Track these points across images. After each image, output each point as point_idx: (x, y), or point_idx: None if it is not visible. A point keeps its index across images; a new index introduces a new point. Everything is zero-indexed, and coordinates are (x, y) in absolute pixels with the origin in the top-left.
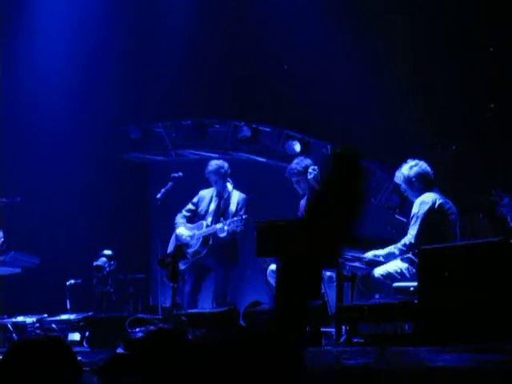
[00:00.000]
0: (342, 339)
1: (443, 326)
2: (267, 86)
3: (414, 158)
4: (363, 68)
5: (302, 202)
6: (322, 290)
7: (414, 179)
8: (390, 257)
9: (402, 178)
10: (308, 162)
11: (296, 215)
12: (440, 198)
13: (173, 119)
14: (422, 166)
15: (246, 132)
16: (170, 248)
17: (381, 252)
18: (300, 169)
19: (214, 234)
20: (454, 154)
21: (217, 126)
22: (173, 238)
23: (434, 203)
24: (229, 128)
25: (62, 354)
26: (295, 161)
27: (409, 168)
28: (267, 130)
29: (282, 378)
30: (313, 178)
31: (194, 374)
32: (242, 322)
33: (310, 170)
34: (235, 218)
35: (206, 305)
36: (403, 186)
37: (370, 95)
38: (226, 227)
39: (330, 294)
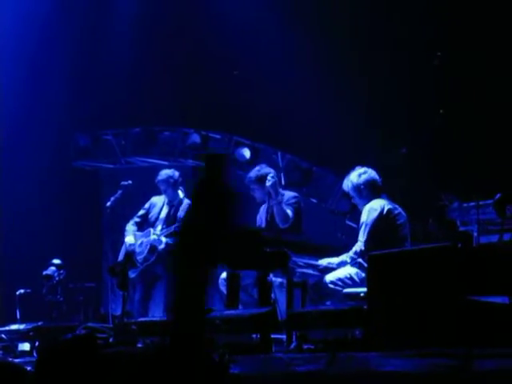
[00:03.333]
0: (293, 346)
1: (392, 332)
2: (217, 93)
3: (362, 164)
4: (312, 73)
5: (262, 210)
6: (272, 297)
7: (362, 187)
8: (341, 265)
9: (350, 185)
10: (267, 170)
11: (254, 223)
12: (388, 203)
13: (122, 127)
14: (371, 173)
15: (196, 139)
16: (121, 256)
17: (334, 260)
18: (255, 177)
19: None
20: (404, 157)
21: (166, 133)
22: (123, 246)
23: (382, 210)
24: (178, 135)
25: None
26: (255, 168)
27: (357, 175)
28: (217, 136)
29: None
30: (270, 185)
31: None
32: None
33: (268, 178)
34: (172, 226)
35: (157, 312)
36: (351, 193)
37: (319, 100)
38: (162, 238)
39: (281, 300)
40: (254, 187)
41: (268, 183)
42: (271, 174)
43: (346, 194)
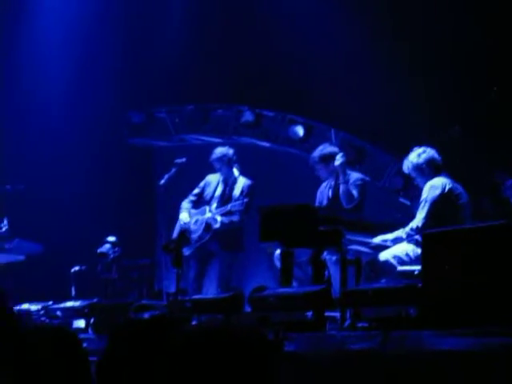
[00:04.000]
0: (347, 324)
1: (447, 310)
2: (270, 70)
3: (417, 143)
4: (364, 51)
5: (324, 187)
6: (327, 274)
7: (424, 165)
8: (397, 241)
9: (410, 166)
10: (331, 149)
11: (305, 201)
12: (450, 182)
13: (175, 104)
14: (430, 152)
15: (249, 117)
16: (175, 234)
17: (389, 236)
18: (319, 157)
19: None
20: (457, 135)
21: (219, 110)
22: (177, 223)
23: (444, 188)
24: (231, 113)
25: (69, 345)
26: (318, 148)
27: (417, 155)
28: (270, 114)
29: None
30: (339, 164)
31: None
32: (247, 308)
33: (338, 157)
34: (236, 203)
35: (211, 290)
36: (413, 173)
37: (371, 78)
38: (217, 217)
39: (335, 277)
40: (319, 167)
41: (337, 162)
42: (341, 154)
43: (399, 172)
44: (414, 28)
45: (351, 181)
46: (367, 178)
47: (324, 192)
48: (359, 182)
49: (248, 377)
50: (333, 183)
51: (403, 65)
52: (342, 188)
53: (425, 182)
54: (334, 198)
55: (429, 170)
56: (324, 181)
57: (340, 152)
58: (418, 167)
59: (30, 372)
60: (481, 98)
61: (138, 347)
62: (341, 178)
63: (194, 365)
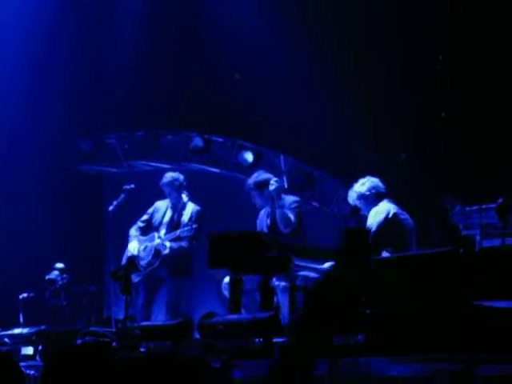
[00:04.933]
0: None
1: (395, 336)
2: (219, 96)
3: (365, 171)
4: (314, 77)
5: (262, 215)
6: (275, 301)
7: (367, 193)
8: None
9: (355, 196)
10: (266, 176)
11: (255, 227)
12: (394, 207)
13: (125, 130)
14: (374, 180)
15: (198, 142)
16: (124, 260)
17: None
18: (253, 184)
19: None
20: (404, 162)
21: (169, 136)
22: (126, 250)
23: (388, 213)
24: (181, 139)
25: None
26: (253, 175)
27: (360, 185)
28: (219, 140)
29: None
30: (274, 189)
31: None
32: (196, 334)
33: (272, 182)
34: (185, 228)
35: (160, 317)
36: (358, 203)
37: (320, 104)
38: (167, 243)
39: (284, 304)
40: (254, 194)
41: (271, 187)
42: (275, 179)
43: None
44: (360, 56)
45: (286, 205)
46: (301, 201)
47: (263, 219)
48: (294, 205)
49: None
50: (270, 210)
51: (351, 93)
52: (278, 213)
53: (369, 210)
54: (272, 224)
55: (373, 197)
56: (260, 208)
57: (272, 177)
58: (362, 196)
59: None
60: (428, 125)
61: (70, 373)
62: (275, 203)
63: None
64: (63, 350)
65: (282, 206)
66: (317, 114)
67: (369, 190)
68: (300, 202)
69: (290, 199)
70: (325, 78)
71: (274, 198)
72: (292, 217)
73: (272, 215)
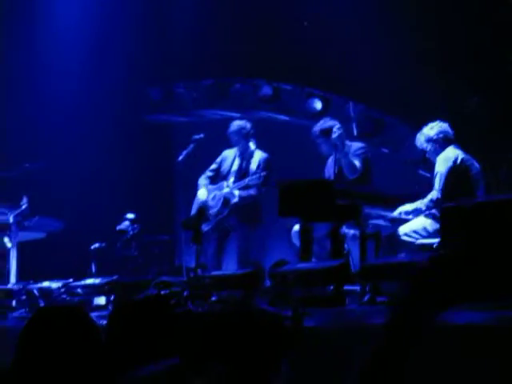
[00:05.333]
0: (366, 298)
1: (466, 284)
2: (287, 44)
3: (436, 116)
4: (381, 24)
5: (329, 162)
6: (346, 248)
7: (435, 137)
8: (416, 212)
9: (423, 139)
10: (331, 123)
11: (322, 175)
12: (462, 153)
13: (193, 79)
14: (442, 125)
15: (267, 90)
16: (194, 210)
17: (408, 207)
18: (319, 131)
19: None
20: (476, 106)
21: (237, 85)
22: (196, 199)
23: (456, 159)
24: (249, 87)
25: (84, 326)
26: (319, 122)
27: (429, 128)
28: (288, 88)
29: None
30: (337, 137)
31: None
32: (267, 282)
33: (334, 130)
34: (254, 176)
35: (230, 265)
36: (425, 146)
37: (391, 49)
38: (235, 191)
39: (354, 251)
40: (320, 141)
41: (334, 135)
42: (337, 126)
43: None
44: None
45: (352, 151)
46: (367, 147)
47: (330, 167)
48: (360, 151)
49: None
50: (336, 157)
51: (422, 37)
52: (343, 160)
53: (437, 155)
54: (339, 171)
55: (440, 142)
56: (326, 155)
57: (336, 124)
58: (430, 139)
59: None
60: (499, 70)
61: (133, 325)
62: (340, 150)
63: (208, 345)
64: (130, 301)
65: (348, 153)
66: (386, 59)
67: (437, 134)
68: (366, 147)
69: (356, 145)
70: (394, 22)
71: (338, 145)
72: (358, 163)
73: (337, 162)
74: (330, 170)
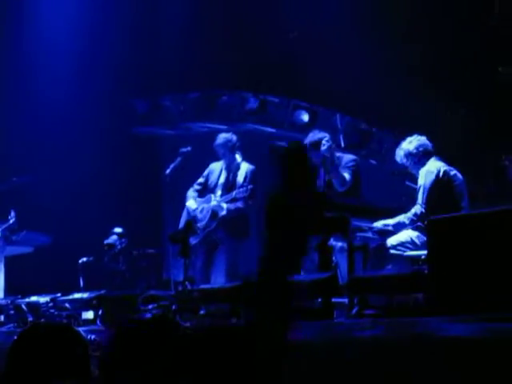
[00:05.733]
0: (354, 311)
1: (454, 296)
2: (274, 56)
3: (420, 127)
4: (369, 35)
5: (321, 174)
6: (334, 261)
7: (414, 151)
8: (399, 226)
9: (402, 154)
10: (320, 135)
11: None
12: (444, 165)
13: (180, 92)
14: (421, 139)
15: (254, 103)
16: (181, 223)
17: (390, 221)
18: (309, 144)
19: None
20: (462, 118)
21: (224, 97)
22: (184, 213)
23: (438, 172)
24: (236, 99)
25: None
26: (309, 135)
27: (408, 143)
28: (275, 100)
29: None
30: (326, 149)
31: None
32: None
33: (323, 142)
34: (241, 189)
35: (219, 278)
36: (405, 161)
37: (377, 63)
38: (223, 204)
39: (342, 264)
40: (310, 154)
41: (323, 147)
42: (326, 138)
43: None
44: (417, 11)
45: (343, 163)
46: (358, 159)
47: (321, 178)
48: (351, 164)
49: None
50: (324, 169)
51: (408, 49)
52: (333, 173)
53: (418, 169)
54: (329, 183)
55: (420, 156)
56: (318, 167)
57: (325, 136)
58: (409, 154)
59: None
60: (486, 81)
61: (139, 347)
62: (328, 162)
63: (196, 364)
64: (131, 323)
65: (339, 165)
66: (373, 71)
67: (416, 148)
68: (357, 160)
69: (347, 158)
70: (381, 35)
71: (328, 157)
72: (348, 176)
73: (327, 175)
74: (320, 182)
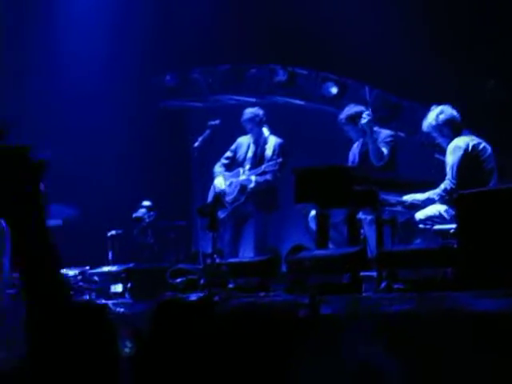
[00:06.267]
0: (383, 285)
1: (483, 271)
2: (302, 28)
3: (449, 100)
4: (398, 5)
5: (354, 148)
6: (362, 233)
7: (442, 127)
8: (428, 202)
9: (430, 127)
10: (357, 109)
11: (339, 159)
12: (472, 139)
13: (208, 65)
14: (448, 111)
15: (282, 75)
16: (210, 197)
17: (419, 197)
18: (345, 118)
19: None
20: (493, 90)
21: (253, 70)
22: (212, 187)
23: (467, 147)
24: (265, 72)
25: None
26: (344, 109)
27: (435, 116)
28: (303, 72)
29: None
30: (366, 122)
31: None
32: (284, 267)
33: (364, 116)
34: (270, 163)
35: (248, 251)
36: (433, 134)
37: (406, 33)
38: (252, 177)
39: (371, 237)
40: (347, 128)
41: (363, 121)
42: (367, 112)
43: None
44: None
45: (381, 138)
46: (397, 135)
47: (355, 151)
48: (389, 139)
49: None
50: (363, 142)
51: (436, 20)
52: (370, 146)
53: (447, 142)
54: (365, 156)
55: (448, 130)
56: (355, 141)
57: (366, 110)
58: (437, 128)
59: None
60: None
61: (183, 329)
62: (369, 136)
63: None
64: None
65: (376, 139)
66: (401, 43)
67: (443, 122)
68: (395, 135)
69: (385, 133)
70: (408, 6)
71: (367, 131)
72: (385, 150)
73: (364, 148)
74: (355, 155)
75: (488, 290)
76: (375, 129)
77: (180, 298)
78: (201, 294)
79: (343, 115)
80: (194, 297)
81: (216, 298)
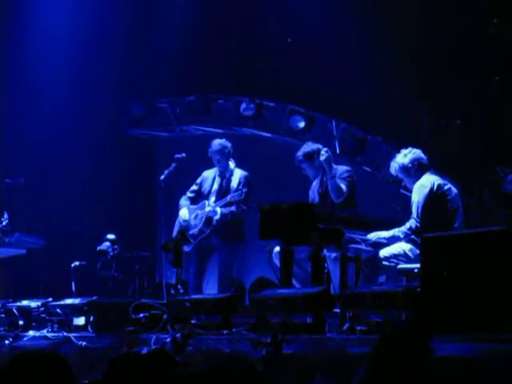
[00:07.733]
0: (346, 327)
1: (445, 315)
2: (271, 61)
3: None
4: (367, 42)
5: (314, 185)
6: (326, 269)
7: (409, 165)
8: (393, 240)
9: (397, 167)
10: (314, 146)
11: (305, 193)
12: (438, 178)
13: (176, 95)
14: (416, 152)
15: (250, 107)
16: (175, 232)
17: (384, 234)
18: (303, 155)
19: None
20: (458, 129)
21: (221, 101)
22: (177, 221)
23: (432, 186)
24: (232, 103)
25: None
26: (302, 147)
27: (403, 156)
28: (271, 104)
29: None
30: (324, 159)
31: None
32: (247, 304)
33: (322, 152)
34: (235, 193)
35: (212, 283)
36: (400, 175)
37: (374, 70)
38: (217, 209)
39: (335, 273)
40: (305, 165)
41: (322, 157)
42: (325, 149)
43: None
44: (412, 22)
45: (338, 174)
46: (353, 170)
47: (315, 189)
48: (346, 174)
49: None
50: (322, 179)
51: (403, 59)
52: (329, 183)
53: (413, 183)
54: (324, 194)
55: (415, 170)
56: (312, 179)
57: (323, 147)
58: (404, 168)
59: None
60: (482, 92)
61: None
62: (327, 173)
63: None
64: (130, 357)
65: (334, 176)
66: (370, 78)
67: (411, 161)
68: (352, 171)
69: (342, 169)
70: (376, 40)
71: (326, 167)
72: (344, 187)
73: (323, 185)
74: (314, 193)
75: (449, 334)
76: (333, 165)
77: (131, 353)
78: (152, 347)
79: (300, 152)
80: (145, 350)
81: (177, 336)
